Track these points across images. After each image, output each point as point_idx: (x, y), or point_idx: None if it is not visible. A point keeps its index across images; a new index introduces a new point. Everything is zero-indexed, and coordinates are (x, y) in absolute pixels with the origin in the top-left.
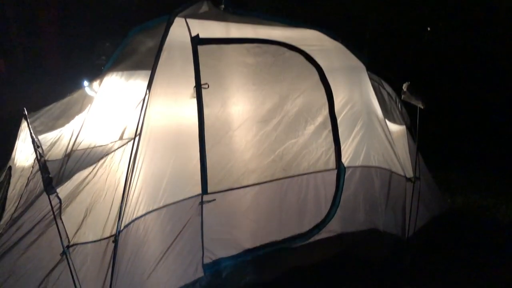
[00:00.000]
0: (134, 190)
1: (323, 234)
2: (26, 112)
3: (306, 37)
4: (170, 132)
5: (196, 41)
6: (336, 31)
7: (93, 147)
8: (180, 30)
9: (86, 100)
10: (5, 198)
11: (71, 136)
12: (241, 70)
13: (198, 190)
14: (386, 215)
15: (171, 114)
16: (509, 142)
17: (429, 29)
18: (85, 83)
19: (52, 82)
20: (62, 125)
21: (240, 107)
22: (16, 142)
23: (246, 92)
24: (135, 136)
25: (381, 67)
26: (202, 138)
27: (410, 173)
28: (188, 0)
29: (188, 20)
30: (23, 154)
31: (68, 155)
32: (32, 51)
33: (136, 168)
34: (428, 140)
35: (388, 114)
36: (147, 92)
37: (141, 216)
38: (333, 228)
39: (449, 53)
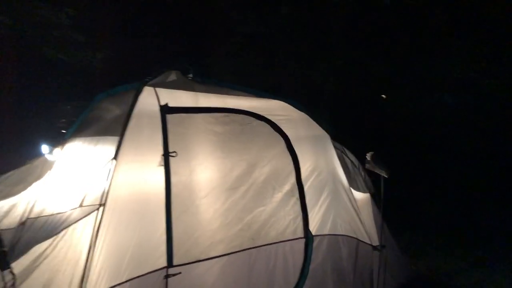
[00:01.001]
0: (97, 264)
1: None
2: None
3: (272, 107)
4: (136, 201)
5: (165, 110)
6: (296, 96)
7: (50, 215)
8: (149, 99)
9: (46, 166)
10: None
11: (28, 203)
12: (210, 138)
13: (164, 262)
14: (354, 285)
15: (138, 183)
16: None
17: (384, 96)
18: (44, 148)
19: (10, 146)
20: (19, 192)
21: (208, 175)
22: None
23: (215, 160)
24: (100, 205)
25: (343, 134)
26: (168, 207)
27: (376, 241)
28: (153, 69)
29: (157, 89)
30: None
31: (23, 223)
32: None
33: (99, 240)
34: (390, 205)
35: (352, 181)
36: (114, 160)
37: None
38: None
39: (402, 119)
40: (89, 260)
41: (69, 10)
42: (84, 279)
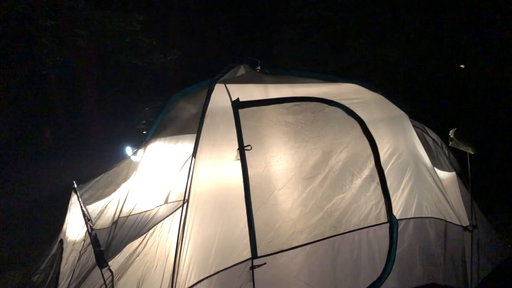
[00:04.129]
0: (185, 259)
1: None
2: (75, 186)
3: (344, 91)
4: (216, 196)
5: (237, 105)
6: (369, 77)
7: (139, 213)
8: (221, 95)
9: (131, 167)
10: (58, 273)
11: (118, 204)
12: (282, 129)
13: (248, 254)
14: (445, 268)
15: (216, 178)
16: None
17: (463, 66)
18: (128, 150)
19: (96, 149)
20: (109, 194)
21: (284, 166)
22: (67, 216)
23: (289, 150)
24: (183, 203)
25: (422, 111)
26: (248, 200)
27: (466, 222)
28: (224, 65)
29: (227, 85)
30: (74, 228)
31: (115, 223)
32: (76, 121)
33: (186, 236)
34: (480, 183)
35: (435, 161)
36: (193, 158)
37: (192, 286)
38: (391, 285)
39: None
40: (177, 255)
41: (139, 16)
42: (175, 274)
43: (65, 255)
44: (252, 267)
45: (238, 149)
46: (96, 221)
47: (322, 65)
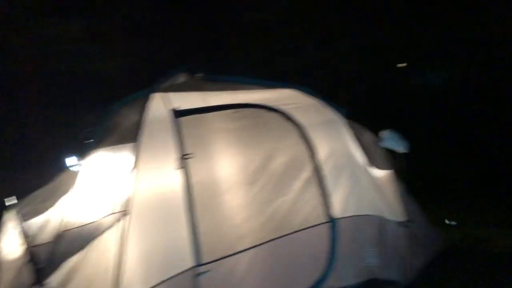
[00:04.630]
0: (127, 271)
1: None
2: (7, 203)
3: (283, 97)
4: (159, 205)
5: (177, 114)
6: (313, 80)
7: (81, 226)
8: (160, 104)
9: (72, 179)
10: None
11: (59, 217)
12: (224, 136)
13: (192, 262)
14: (384, 263)
15: (158, 188)
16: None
17: (404, 65)
18: (69, 161)
19: (39, 162)
20: (50, 207)
21: (226, 172)
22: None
23: (230, 156)
24: (124, 214)
25: (363, 113)
26: (191, 208)
27: (402, 217)
28: (166, 71)
29: (167, 94)
30: (9, 246)
31: (57, 237)
32: (16, 135)
33: (127, 247)
34: (417, 179)
35: (372, 160)
36: (134, 169)
37: None
38: (334, 283)
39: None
40: (118, 267)
41: (81, 22)
42: (116, 286)
43: (2, 275)
44: (197, 275)
45: (179, 157)
46: (37, 236)
47: (269, 67)
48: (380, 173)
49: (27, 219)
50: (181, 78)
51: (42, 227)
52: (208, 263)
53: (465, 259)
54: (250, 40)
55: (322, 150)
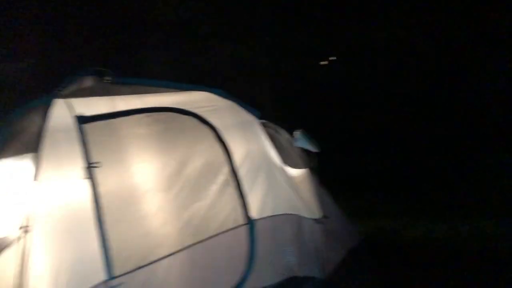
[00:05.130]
0: None
1: None
2: None
3: (196, 99)
4: (65, 219)
5: (81, 120)
6: (232, 78)
7: None
8: (62, 111)
9: None
10: None
11: None
12: (134, 142)
13: (102, 276)
14: (302, 260)
15: (64, 200)
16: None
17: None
18: None
19: None
20: None
21: (138, 180)
22: None
23: (142, 163)
24: (24, 231)
25: (282, 111)
26: (99, 219)
27: (317, 214)
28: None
29: (70, 100)
30: None
31: None
32: None
33: (29, 267)
34: (332, 176)
35: (287, 159)
36: (35, 181)
37: None
38: (253, 284)
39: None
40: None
41: None
42: None
43: None
44: None
45: (85, 167)
46: None
47: (188, 68)
48: (295, 172)
49: None
50: (88, 82)
51: None
52: (120, 275)
53: (380, 250)
54: (166, 40)
55: (238, 152)
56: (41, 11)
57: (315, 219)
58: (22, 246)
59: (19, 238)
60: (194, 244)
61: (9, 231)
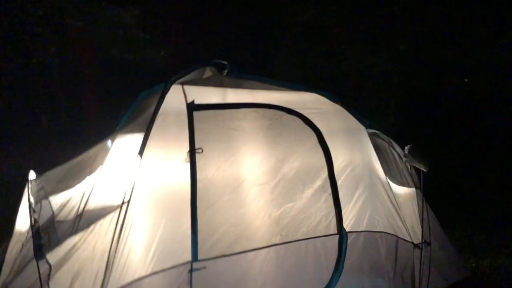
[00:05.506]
0: (120, 258)
1: None
2: (29, 177)
3: (305, 100)
4: (161, 197)
5: (192, 107)
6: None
7: (93, 210)
8: (177, 97)
9: (97, 159)
10: (2, 262)
11: (82, 198)
12: (237, 134)
13: (188, 257)
14: (394, 283)
15: (163, 179)
16: None
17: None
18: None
19: (91, 139)
20: (73, 186)
21: (235, 171)
22: (20, 206)
23: (241, 156)
24: (123, 202)
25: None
26: (194, 203)
27: (419, 238)
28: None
29: (185, 86)
30: (22, 218)
31: (78, 216)
32: (74, 111)
33: (124, 234)
34: (446, 200)
35: (396, 176)
36: (139, 157)
37: (126, 285)
38: None
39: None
40: (112, 252)
41: (135, 10)
42: (108, 271)
43: (11, 245)
44: (191, 270)
45: (188, 151)
46: (59, 213)
47: (314, 71)
48: (401, 190)
49: (49, 195)
50: (207, 73)
51: (62, 205)
52: (204, 260)
53: None
54: (299, 42)
55: (340, 159)
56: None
57: (414, 244)
58: (123, 215)
59: (120, 208)
60: (280, 244)
61: (114, 200)
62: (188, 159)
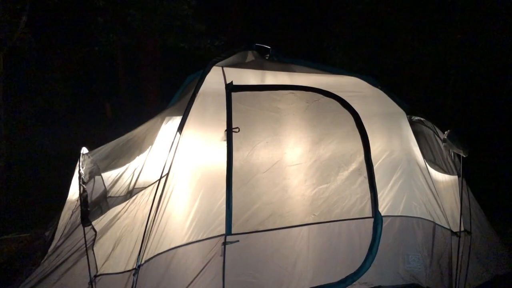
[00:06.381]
0: (158, 227)
1: (356, 286)
2: (82, 151)
3: (344, 84)
4: (198, 172)
5: (230, 88)
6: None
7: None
8: (217, 78)
9: (147, 138)
10: (56, 228)
11: (132, 175)
12: (273, 115)
13: (222, 230)
14: (430, 271)
15: (201, 155)
16: None
17: None
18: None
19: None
20: (124, 164)
21: (270, 151)
22: (73, 178)
23: (277, 136)
24: (161, 176)
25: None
26: (229, 180)
27: (458, 227)
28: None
29: (225, 68)
30: (74, 188)
31: (129, 193)
32: (136, 96)
33: (162, 206)
34: (494, 189)
35: (440, 164)
36: (178, 134)
37: (163, 252)
38: (369, 280)
39: None
40: (150, 222)
41: (191, 0)
42: (146, 238)
43: (63, 212)
44: (225, 243)
45: (226, 130)
46: (110, 189)
47: (370, 61)
48: (441, 177)
49: (104, 171)
50: (250, 57)
51: (113, 182)
52: (237, 234)
53: None
54: (355, 30)
55: (378, 142)
56: None
57: (453, 231)
58: (161, 188)
59: (159, 180)
60: (313, 223)
61: (154, 177)
62: (225, 138)
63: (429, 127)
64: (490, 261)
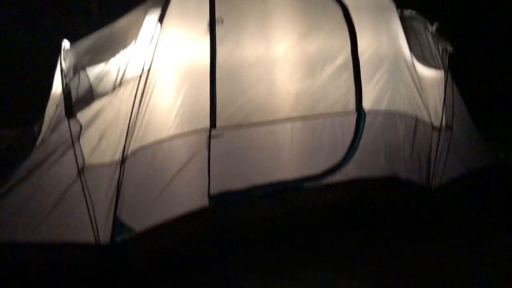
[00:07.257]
0: (142, 120)
1: (337, 178)
2: (63, 44)
3: None
4: (181, 65)
5: None
6: None
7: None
8: None
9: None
10: (42, 122)
11: (118, 72)
12: (260, 7)
13: (207, 124)
14: (409, 163)
15: (183, 48)
16: None
17: None
18: None
19: None
20: (108, 58)
21: (255, 44)
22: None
23: (263, 29)
24: (143, 70)
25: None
26: (213, 73)
27: (440, 122)
28: None
29: None
30: (57, 82)
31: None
32: None
33: (145, 99)
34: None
35: (429, 60)
36: (159, 24)
37: (149, 144)
38: (349, 172)
39: None
40: (134, 115)
41: None
42: (130, 131)
43: (48, 106)
44: (209, 136)
45: (208, 21)
46: (96, 87)
47: None
48: (427, 72)
49: (87, 65)
50: None
51: (99, 78)
52: (221, 128)
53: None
54: None
55: (365, 37)
56: None
57: (434, 126)
58: (143, 82)
59: (144, 76)
60: (297, 118)
61: (137, 71)
62: (208, 30)
63: (419, 21)
64: (468, 155)
